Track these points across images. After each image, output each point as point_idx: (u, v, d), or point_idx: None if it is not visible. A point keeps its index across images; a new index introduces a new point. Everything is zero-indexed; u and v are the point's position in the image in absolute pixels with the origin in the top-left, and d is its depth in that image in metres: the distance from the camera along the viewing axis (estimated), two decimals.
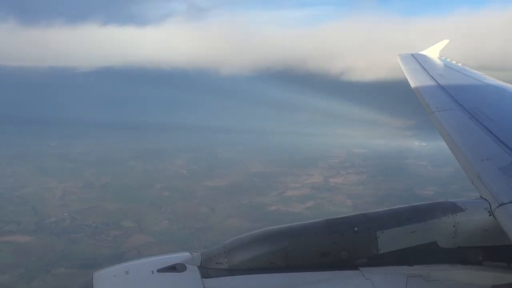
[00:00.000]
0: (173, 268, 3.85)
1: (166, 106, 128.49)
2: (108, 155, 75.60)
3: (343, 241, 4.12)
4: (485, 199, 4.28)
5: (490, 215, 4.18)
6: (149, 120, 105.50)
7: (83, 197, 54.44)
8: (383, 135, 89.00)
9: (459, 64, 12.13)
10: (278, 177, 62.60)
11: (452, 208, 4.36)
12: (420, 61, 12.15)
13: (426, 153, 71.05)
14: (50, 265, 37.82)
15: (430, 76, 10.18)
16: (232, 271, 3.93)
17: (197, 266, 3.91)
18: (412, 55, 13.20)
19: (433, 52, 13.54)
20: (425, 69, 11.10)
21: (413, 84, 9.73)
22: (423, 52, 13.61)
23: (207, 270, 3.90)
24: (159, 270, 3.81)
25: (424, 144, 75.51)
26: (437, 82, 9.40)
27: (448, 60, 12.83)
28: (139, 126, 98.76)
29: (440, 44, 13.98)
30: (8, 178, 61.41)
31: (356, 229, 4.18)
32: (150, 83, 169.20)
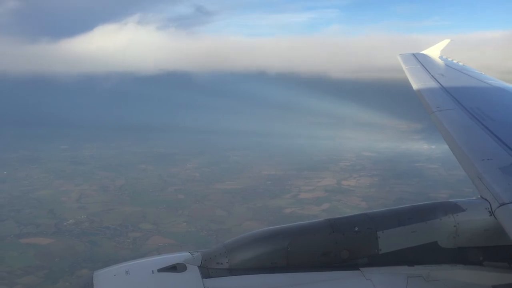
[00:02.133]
0: (173, 268, 3.84)
1: (173, 109, 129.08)
2: (119, 158, 76.42)
3: (343, 241, 4.11)
4: (486, 199, 4.25)
5: (490, 215, 4.16)
6: (157, 123, 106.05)
7: (99, 200, 54.87)
8: (391, 138, 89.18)
9: (460, 63, 12.05)
10: (290, 179, 62.63)
11: (453, 208, 4.36)
12: (421, 61, 12.07)
13: (436, 156, 70.64)
14: (73, 266, 38.03)
15: (431, 75, 10.11)
16: (232, 271, 3.91)
17: (198, 266, 3.90)
18: (413, 54, 13.11)
19: (434, 52, 13.46)
20: (426, 68, 11.02)
21: (413, 83, 9.67)
22: (424, 52, 13.54)
23: (207, 270, 3.88)
24: (159, 270, 3.80)
25: (433, 147, 74.99)
26: (438, 82, 9.34)
27: (449, 59, 12.73)
28: (147, 129, 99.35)
29: (441, 44, 13.91)
30: (23, 181, 62.15)
31: (357, 229, 4.17)
32: (161, 86, 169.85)
